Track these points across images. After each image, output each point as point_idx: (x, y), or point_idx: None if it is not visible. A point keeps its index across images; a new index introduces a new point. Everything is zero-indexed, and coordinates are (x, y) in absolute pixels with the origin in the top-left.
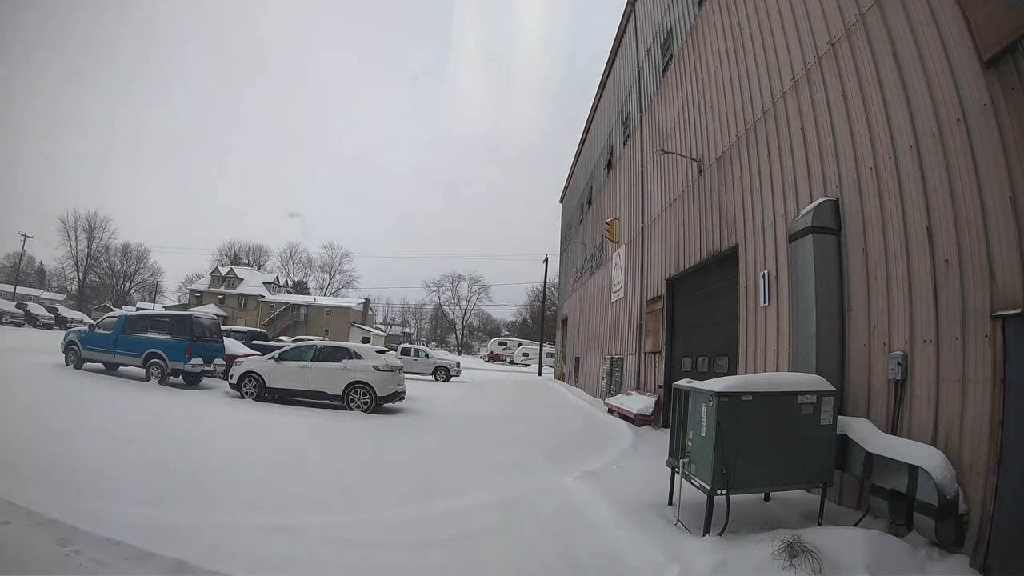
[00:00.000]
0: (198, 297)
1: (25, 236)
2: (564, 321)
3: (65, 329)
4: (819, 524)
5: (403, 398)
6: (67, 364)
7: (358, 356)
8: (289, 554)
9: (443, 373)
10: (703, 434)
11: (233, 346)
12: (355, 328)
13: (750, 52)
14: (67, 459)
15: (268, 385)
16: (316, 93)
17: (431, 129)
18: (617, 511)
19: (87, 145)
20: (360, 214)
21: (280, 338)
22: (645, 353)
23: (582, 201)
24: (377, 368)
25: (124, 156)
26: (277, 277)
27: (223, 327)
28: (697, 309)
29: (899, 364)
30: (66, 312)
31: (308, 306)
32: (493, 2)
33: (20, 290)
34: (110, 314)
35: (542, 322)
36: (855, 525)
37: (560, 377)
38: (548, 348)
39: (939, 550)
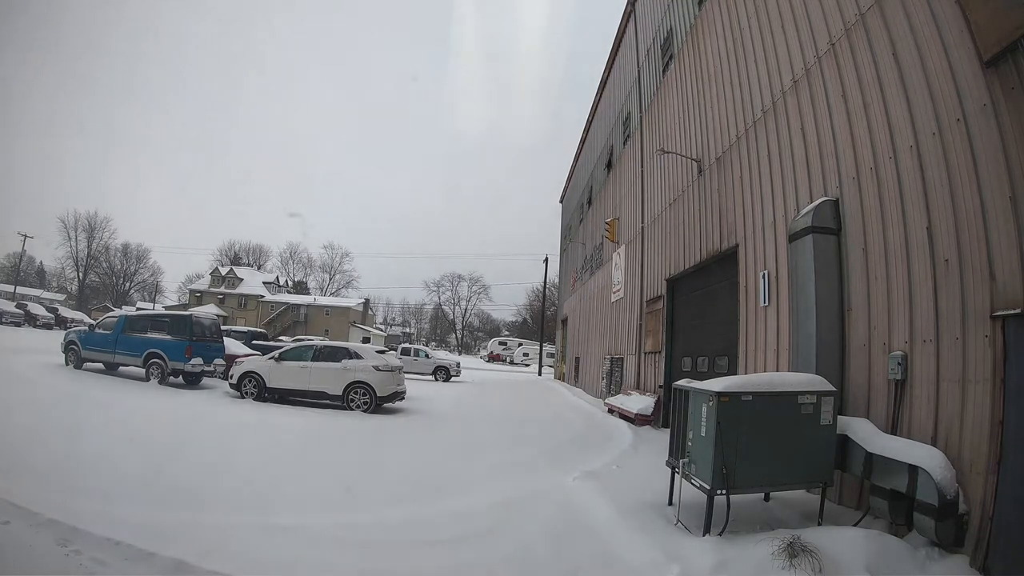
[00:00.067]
0: (198, 297)
1: (25, 236)
2: (564, 321)
3: (65, 329)
4: (819, 524)
5: (403, 398)
6: (67, 364)
7: (358, 356)
8: (289, 554)
9: (443, 373)
10: (703, 434)
11: (233, 346)
12: (355, 328)
13: (750, 52)
14: (67, 459)
15: (268, 385)
16: (316, 93)
17: (431, 129)
18: (617, 511)
19: (87, 145)
20: (360, 214)
21: (280, 338)
22: (645, 353)
23: (582, 201)
24: (377, 368)
25: (124, 156)
26: (277, 277)
27: (223, 327)
28: (697, 309)
29: (899, 364)
30: (66, 312)
31: (308, 306)
32: (493, 2)
33: (20, 290)
34: (110, 314)
35: (542, 322)
36: (855, 525)
37: (560, 377)
38: (548, 348)
39: (939, 550)
